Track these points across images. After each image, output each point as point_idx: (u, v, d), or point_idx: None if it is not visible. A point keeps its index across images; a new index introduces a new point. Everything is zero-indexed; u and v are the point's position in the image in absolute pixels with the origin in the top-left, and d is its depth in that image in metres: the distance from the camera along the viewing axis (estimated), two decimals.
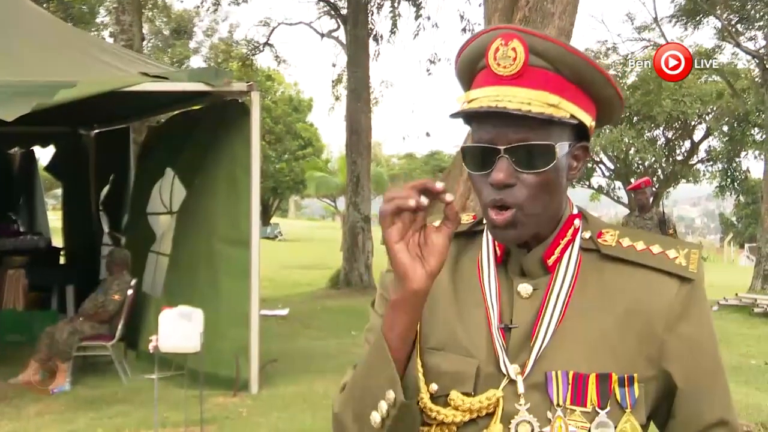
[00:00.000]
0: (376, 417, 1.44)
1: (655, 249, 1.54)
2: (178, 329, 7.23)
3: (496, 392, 1.48)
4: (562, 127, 1.49)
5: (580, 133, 1.55)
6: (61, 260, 14.54)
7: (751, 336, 13.70)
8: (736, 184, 34.40)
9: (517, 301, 1.54)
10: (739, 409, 7.81)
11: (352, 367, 1.64)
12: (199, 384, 7.37)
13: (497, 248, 1.60)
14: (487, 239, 1.63)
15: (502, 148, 1.45)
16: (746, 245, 45.89)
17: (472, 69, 1.56)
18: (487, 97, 1.47)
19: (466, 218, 1.70)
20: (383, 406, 1.43)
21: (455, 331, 1.56)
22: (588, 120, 1.53)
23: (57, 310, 12.01)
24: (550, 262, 1.55)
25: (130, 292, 9.24)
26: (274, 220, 57.52)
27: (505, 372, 1.49)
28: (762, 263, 19.78)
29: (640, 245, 1.55)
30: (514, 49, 1.46)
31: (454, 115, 1.53)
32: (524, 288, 1.54)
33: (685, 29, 27.39)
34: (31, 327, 10.34)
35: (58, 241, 15.49)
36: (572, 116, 1.48)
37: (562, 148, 1.48)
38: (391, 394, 1.42)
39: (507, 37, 1.48)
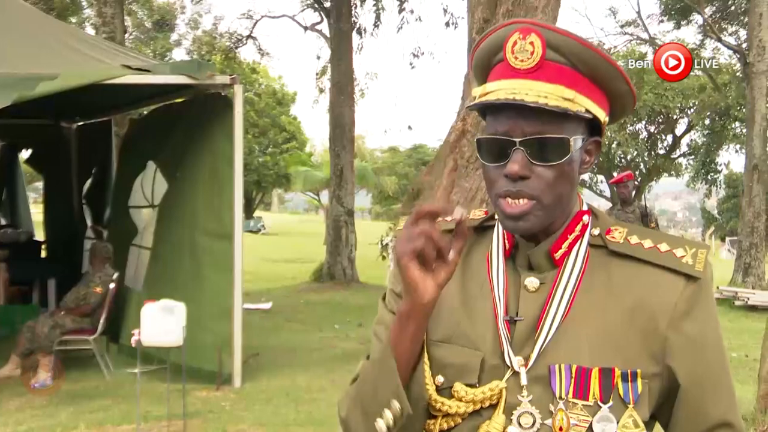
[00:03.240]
0: (381, 425, 1.48)
1: (663, 247, 1.55)
2: (160, 323, 7.21)
3: (500, 383, 1.50)
4: (576, 122, 1.50)
5: (593, 128, 1.56)
6: (43, 254, 14.47)
7: (732, 329, 13.77)
8: (710, 175, 34.64)
9: (523, 295, 1.55)
10: None
11: (365, 357, 1.67)
12: (181, 378, 7.36)
13: (506, 242, 1.61)
14: (497, 234, 1.64)
15: (517, 140, 1.47)
16: (727, 239, 46.16)
17: (488, 62, 1.58)
18: (503, 89, 1.48)
19: (478, 213, 1.72)
20: (388, 415, 1.46)
21: (461, 324, 1.58)
22: (602, 115, 1.54)
23: (38, 304, 11.96)
24: (557, 256, 1.56)
25: (112, 285, 9.19)
26: (257, 213, 57.52)
27: (509, 364, 1.51)
28: (743, 256, 19.90)
29: (647, 243, 1.56)
30: (531, 43, 1.48)
31: (471, 107, 1.54)
32: (531, 281, 1.56)
33: (676, 26, 27.60)
34: (12, 321, 10.29)
35: (39, 234, 15.41)
36: (587, 111, 1.50)
37: (576, 142, 1.50)
38: (396, 405, 1.45)
39: (525, 31, 1.49)
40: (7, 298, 11.68)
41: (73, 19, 27.75)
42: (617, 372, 1.47)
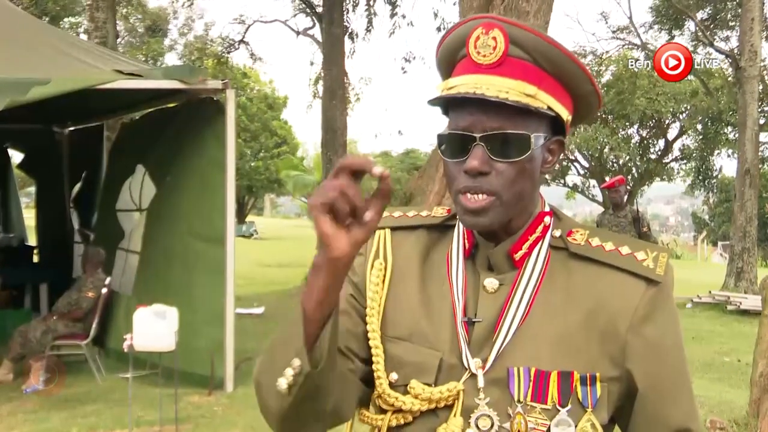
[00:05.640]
0: (282, 383, 1.37)
1: (624, 250, 1.54)
2: (152, 328, 7.19)
3: (458, 384, 1.49)
4: (538, 119, 1.49)
5: (556, 127, 1.55)
6: (35, 258, 14.43)
7: (724, 333, 13.82)
8: (707, 181, 34.69)
9: (482, 296, 1.55)
10: (713, 405, 7.88)
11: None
12: (173, 383, 7.34)
13: (466, 241, 1.60)
14: (458, 233, 1.63)
15: (477, 135, 1.46)
16: (719, 243, 46.22)
17: (452, 58, 1.57)
18: (465, 84, 1.47)
19: (441, 211, 1.71)
20: (289, 372, 1.37)
21: (420, 323, 1.57)
22: (565, 114, 1.53)
23: (30, 309, 11.92)
24: (517, 257, 1.55)
25: (104, 290, 9.17)
26: (249, 218, 57.45)
27: (466, 365, 1.50)
28: (735, 261, 19.93)
29: (609, 246, 1.55)
30: (494, 38, 1.47)
31: (432, 102, 1.53)
32: (490, 282, 1.55)
33: (668, 33, 27.69)
34: (4, 326, 10.24)
35: (31, 239, 15.37)
36: (549, 108, 1.49)
37: (538, 139, 1.49)
38: (296, 362, 1.36)
39: (488, 26, 1.48)
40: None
41: (66, 24, 27.72)
42: (576, 375, 1.46)
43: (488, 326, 1.51)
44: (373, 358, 1.57)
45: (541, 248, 1.56)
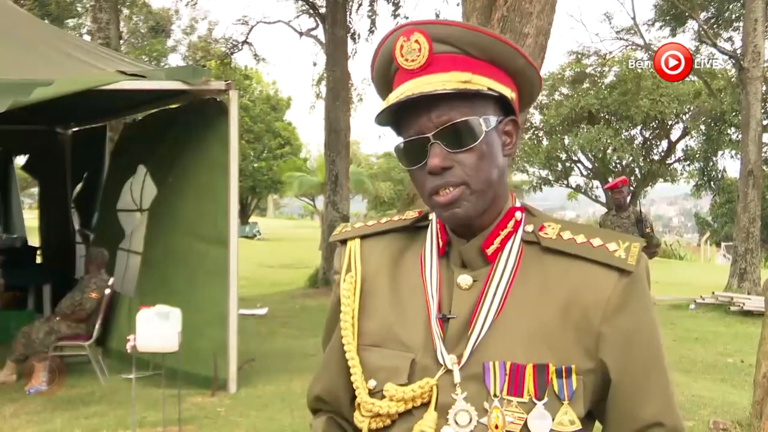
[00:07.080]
0: None
1: (596, 242, 1.55)
2: (155, 329, 7.19)
3: (430, 380, 1.49)
4: (483, 102, 1.52)
5: (506, 109, 1.57)
6: (38, 259, 14.45)
7: (727, 334, 13.80)
8: (712, 183, 34.64)
9: (456, 292, 1.56)
10: (715, 406, 7.87)
11: (317, 375, 1.72)
12: (176, 384, 7.35)
13: (440, 240, 1.61)
14: (431, 233, 1.65)
15: (430, 135, 1.49)
16: (723, 244, 46.17)
17: (386, 75, 1.61)
18: (403, 93, 1.50)
19: (412, 214, 1.72)
20: None
21: (392, 327, 1.58)
22: (507, 92, 1.55)
23: (34, 310, 11.94)
24: (489, 252, 1.56)
25: (107, 291, 9.17)
26: (252, 218, 57.50)
27: (441, 362, 1.50)
28: (738, 262, 19.90)
29: (580, 238, 1.56)
30: (417, 41, 1.50)
31: (380, 120, 1.57)
32: (464, 279, 1.56)
33: (671, 32, 27.67)
34: (7, 327, 10.25)
35: (34, 240, 15.39)
36: (489, 89, 1.51)
37: (488, 121, 1.51)
38: None
39: (408, 32, 1.52)
40: (2, 304, 11.66)
41: (70, 24, 27.74)
42: (551, 368, 1.46)
43: (463, 322, 1.52)
44: (351, 369, 1.59)
45: (513, 243, 1.57)
